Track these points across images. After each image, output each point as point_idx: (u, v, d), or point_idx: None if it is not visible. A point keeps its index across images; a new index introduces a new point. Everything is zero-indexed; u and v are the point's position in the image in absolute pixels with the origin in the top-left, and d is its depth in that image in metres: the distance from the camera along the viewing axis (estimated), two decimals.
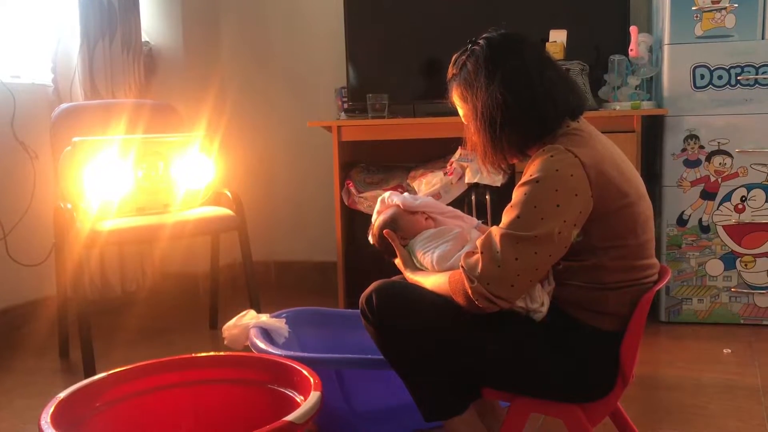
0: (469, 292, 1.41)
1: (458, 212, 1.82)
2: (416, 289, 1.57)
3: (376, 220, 1.81)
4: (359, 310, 1.59)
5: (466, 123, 1.60)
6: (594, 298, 1.47)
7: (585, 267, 1.46)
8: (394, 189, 3.20)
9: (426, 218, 1.77)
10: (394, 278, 1.71)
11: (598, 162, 1.41)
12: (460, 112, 1.61)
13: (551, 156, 1.41)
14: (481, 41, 1.55)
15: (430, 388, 1.56)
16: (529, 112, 1.49)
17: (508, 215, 1.42)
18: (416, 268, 1.68)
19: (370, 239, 1.83)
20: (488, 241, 1.41)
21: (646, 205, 1.51)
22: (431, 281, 1.56)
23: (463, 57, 1.57)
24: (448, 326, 1.49)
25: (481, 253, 1.41)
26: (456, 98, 1.60)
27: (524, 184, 1.42)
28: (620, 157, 1.51)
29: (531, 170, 1.42)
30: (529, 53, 1.53)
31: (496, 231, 1.41)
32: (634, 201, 1.46)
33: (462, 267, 1.43)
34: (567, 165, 1.39)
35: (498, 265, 1.38)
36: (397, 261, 1.74)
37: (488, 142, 1.53)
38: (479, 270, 1.39)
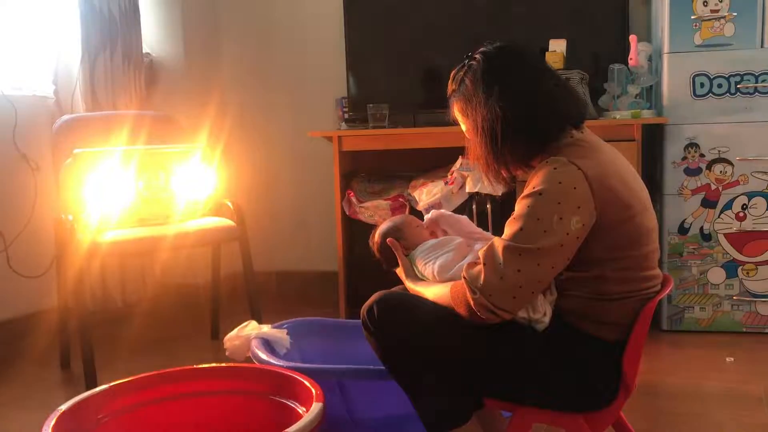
0: (471, 303, 1.40)
1: (487, 234, 1.79)
2: (417, 300, 1.57)
3: (379, 227, 1.81)
4: (360, 321, 1.59)
5: (468, 137, 1.60)
6: (596, 309, 1.47)
7: (587, 278, 1.46)
8: (394, 199, 3.21)
9: (431, 232, 1.77)
10: (394, 289, 1.71)
11: (602, 174, 1.41)
12: (462, 127, 1.62)
13: (554, 168, 1.41)
14: (477, 56, 1.55)
15: (432, 399, 1.55)
16: (529, 123, 1.49)
17: (510, 227, 1.41)
18: (417, 278, 1.68)
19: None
20: (491, 253, 1.41)
21: (650, 217, 1.51)
22: (432, 292, 1.56)
23: (461, 73, 1.58)
24: (450, 337, 1.49)
25: (484, 264, 1.40)
26: (457, 114, 1.61)
27: (527, 196, 1.41)
28: (625, 168, 1.50)
29: (534, 182, 1.42)
30: (527, 64, 1.54)
31: (498, 242, 1.41)
32: (637, 213, 1.45)
33: (464, 278, 1.43)
34: (570, 178, 1.39)
35: (500, 276, 1.38)
36: (398, 270, 1.74)
37: (490, 156, 1.53)
38: (481, 281, 1.39)
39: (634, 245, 1.46)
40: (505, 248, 1.39)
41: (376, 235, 1.80)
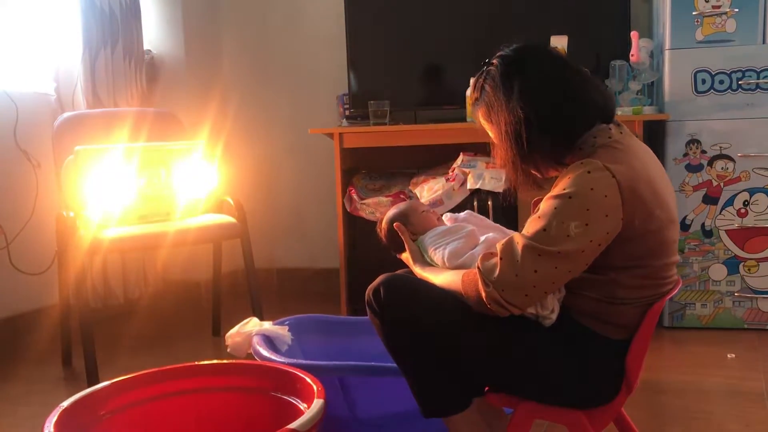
0: (483, 295, 1.39)
1: (499, 226, 1.77)
2: (424, 284, 1.56)
3: (387, 213, 1.80)
4: (365, 302, 1.57)
5: (496, 144, 1.56)
6: (605, 310, 1.46)
7: (601, 280, 1.44)
8: (396, 195, 3.21)
9: (438, 217, 1.76)
10: (399, 272, 1.70)
11: (634, 183, 1.37)
12: (490, 134, 1.58)
13: (588, 172, 1.37)
14: (495, 60, 1.53)
15: (431, 384, 1.54)
16: (554, 120, 1.46)
17: (533, 225, 1.38)
18: (426, 263, 1.66)
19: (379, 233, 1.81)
20: (509, 248, 1.39)
21: (675, 229, 1.47)
22: (441, 278, 1.55)
23: (481, 80, 1.55)
24: (455, 324, 1.48)
25: (501, 258, 1.39)
26: (482, 121, 1.58)
27: (556, 197, 1.38)
28: (658, 176, 1.46)
29: (564, 183, 1.38)
30: (546, 61, 1.51)
31: (519, 239, 1.39)
32: (663, 225, 1.42)
33: (478, 268, 1.41)
34: (603, 185, 1.35)
35: (516, 273, 1.36)
36: (405, 255, 1.73)
37: (518, 159, 1.50)
38: (496, 275, 1.38)
39: (654, 256, 1.43)
40: (525, 247, 1.37)
41: (384, 221, 1.79)
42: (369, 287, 1.56)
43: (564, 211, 1.36)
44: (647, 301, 1.46)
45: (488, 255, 1.43)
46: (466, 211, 1.80)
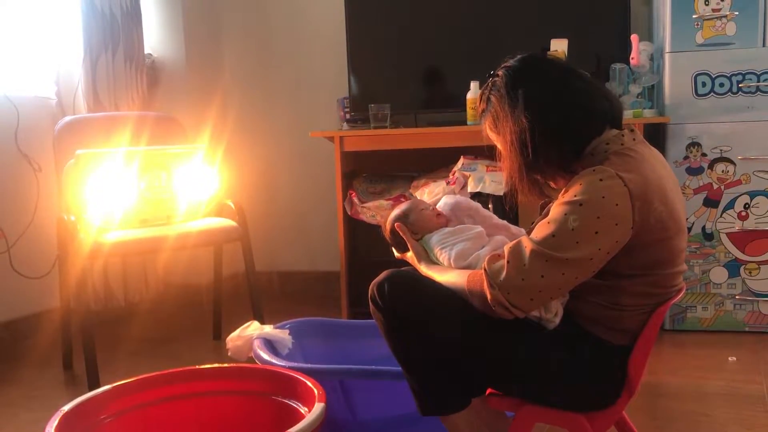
0: (488, 296, 1.39)
1: (505, 222, 1.77)
2: (429, 282, 1.56)
3: (391, 212, 1.81)
4: (369, 297, 1.56)
5: (503, 154, 1.56)
6: (608, 316, 1.46)
7: (605, 286, 1.44)
8: (396, 199, 3.21)
9: (438, 215, 1.76)
10: (404, 269, 1.70)
11: (646, 192, 1.37)
12: (498, 146, 1.59)
13: (600, 180, 1.36)
14: (500, 71, 1.53)
15: (431, 381, 1.54)
16: (559, 128, 1.46)
17: (542, 230, 1.38)
18: (431, 261, 1.66)
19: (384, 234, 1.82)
20: (517, 252, 1.38)
21: (683, 238, 1.47)
22: (446, 277, 1.54)
23: (487, 91, 1.56)
24: (458, 323, 1.47)
25: (508, 261, 1.38)
26: (489, 132, 1.58)
27: (566, 203, 1.37)
28: (670, 185, 1.45)
29: (576, 189, 1.38)
30: (550, 69, 1.51)
31: (527, 243, 1.38)
32: (672, 235, 1.42)
33: (485, 270, 1.41)
34: (614, 194, 1.34)
35: (522, 278, 1.36)
36: (410, 255, 1.73)
37: (524, 168, 1.50)
38: (502, 278, 1.38)
39: (661, 265, 1.44)
40: (533, 251, 1.36)
41: (387, 221, 1.80)
42: (373, 282, 1.55)
43: (574, 217, 1.35)
44: (651, 308, 1.46)
45: (495, 257, 1.43)
46: (455, 198, 1.80)
